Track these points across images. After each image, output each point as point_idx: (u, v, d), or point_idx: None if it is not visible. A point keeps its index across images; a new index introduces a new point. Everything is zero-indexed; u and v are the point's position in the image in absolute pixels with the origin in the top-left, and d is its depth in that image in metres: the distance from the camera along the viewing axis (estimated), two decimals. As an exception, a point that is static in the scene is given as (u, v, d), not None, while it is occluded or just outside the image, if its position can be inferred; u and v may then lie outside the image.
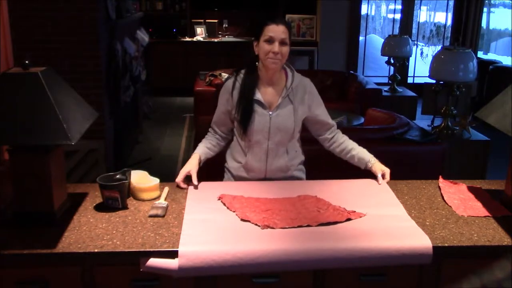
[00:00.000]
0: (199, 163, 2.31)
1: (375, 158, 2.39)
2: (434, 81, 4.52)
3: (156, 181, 2.18)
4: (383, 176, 2.34)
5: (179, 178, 2.24)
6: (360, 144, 3.49)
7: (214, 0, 8.45)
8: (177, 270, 1.70)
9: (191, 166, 2.27)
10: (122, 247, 1.74)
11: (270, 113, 2.28)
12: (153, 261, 1.72)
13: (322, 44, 7.86)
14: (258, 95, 2.27)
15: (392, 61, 6.54)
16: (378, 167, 2.36)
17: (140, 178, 2.18)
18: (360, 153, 2.40)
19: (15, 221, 1.88)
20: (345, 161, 2.41)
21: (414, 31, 8.72)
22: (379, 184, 2.30)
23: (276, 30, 2.18)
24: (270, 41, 2.19)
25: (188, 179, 2.26)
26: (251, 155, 2.34)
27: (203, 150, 2.37)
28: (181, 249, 1.72)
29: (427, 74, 4.48)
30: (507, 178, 2.17)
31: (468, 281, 1.36)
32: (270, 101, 2.29)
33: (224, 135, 2.43)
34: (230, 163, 2.43)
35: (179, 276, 1.72)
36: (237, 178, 2.40)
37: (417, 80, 8.88)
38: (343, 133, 2.50)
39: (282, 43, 2.19)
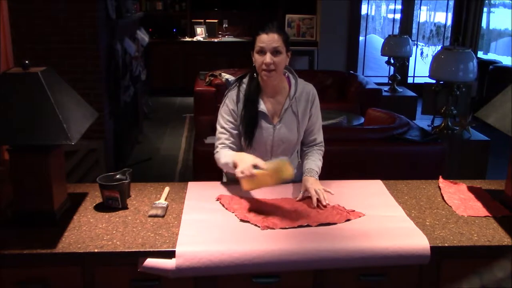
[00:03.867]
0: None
1: (313, 176, 2.21)
2: (434, 81, 4.52)
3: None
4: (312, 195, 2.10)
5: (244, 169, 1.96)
6: (360, 144, 3.51)
7: (214, 0, 8.45)
8: (175, 270, 1.70)
9: (252, 157, 2.03)
10: (122, 247, 1.74)
11: (274, 125, 2.23)
12: (150, 261, 1.72)
13: (322, 44, 7.86)
14: (262, 106, 2.22)
15: (392, 61, 6.55)
16: (308, 184, 2.15)
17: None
18: (306, 164, 2.27)
19: (15, 221, 1.88)
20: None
21: (414, 31, 8.72)
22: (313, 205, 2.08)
23: (266, 40, 2.10)
24: (261, 52, 2.12)
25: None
26: None
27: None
28: (178, 249, 1.72)
29: (427, 74, 4.49)
30: (507, 178, 2.17)
31: (468, 281, 1.36)
32: (273, 111, 2.24)
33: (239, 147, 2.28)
34: (230, 173, 2.40)
35: (176, 276, 1.72)
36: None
37: (417, 80, 8.88)
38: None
39: (274, 52, 2.10)
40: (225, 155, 2.16)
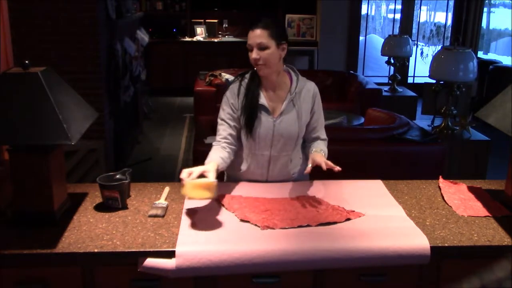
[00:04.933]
0: (216, 171, 2.04)
1: (321, 153, 2.23)
2: (434, 81, 4.52)
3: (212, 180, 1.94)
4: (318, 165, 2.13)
5: (185, 174, 1.93)
6: (360, 144, 3.51)
7: (214, 0, 8.45)
8: (174, 270, 1.70)
9: (208, 167, 2.01)
10: (122, 247, 1.74)
11: (274, 119, 2.24)
12: (150, 261, 1.72)
13: (322, 44, 7.86)
14: (263, 100, 2.24)
15: (392, 61, 6.55)
16: (315, 157, 2.17)
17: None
18: (313, 147, 2.29)
19: (15, 221, 1.88)
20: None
21: (414, 31, 8.73)
22: (308, 169, 2.13)
23: (251, 36, 2.14)
24: (249, 48, 2.16)
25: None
26: (253, 163, 2.31)
27: (218, 159, 2.12)
28: (178, 249, 1.72)
29: (427, 74, 4.48)
30: (507, 178, 2.17)
31: (468, 281, 1.36)
32: (274, 105, 2.26)
33: (236, 148, 2.27)
34: (231, 170, 2.38)
35: (176, 276, 1.72)
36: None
37: (417, 80, 8.88)
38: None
39: (260, 48, 2.13)
40: (209, 155, 2.17)
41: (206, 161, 2.12)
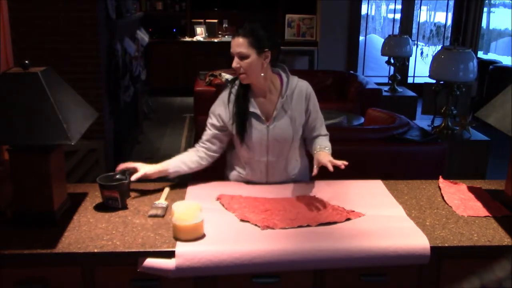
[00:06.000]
0: (161, 173, 2.22)
1: (325, 150, 2.21)
2: (434, 81, 4.51)
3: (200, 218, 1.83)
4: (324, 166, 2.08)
5: (122, 166, 2.14)
6: (360, 144, 3.51)
7: (214, 0, 8.45)
8: (174, 270, 1.70)
9: (147, 167, 2.18)
10: (122, 247, 1.74)
11: (267, 125, 2.21)
12: (150, 261, 1.72)
13: (322, 44, 7.85)
14: (254, 108, 2.20)
15: (392, 61, 6.54)
16: (320, 157, 2.12)
17: (185, 211, 1.83)
18: (317, 144, 2.27)
19: (15, 221, 1.88)
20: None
21: (414, 31, 8.72)
22: (314, 172, 2.09)
23: (233, 45, 2.11)
24: (231, 56, 2.14)
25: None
26: (251, 169, 2.29)
27: (175, 162, 2.26)
28: (178, 249, 1.72)
29: (427, 74, 4.48)
30: (507, 178, 2.17)
31: (468, 281, 1.36)
32: (266, 111, 2.23)
33: (216, 154, 2.29)
34: (230, 175, 2.38)
35: (176, 276, 1.72)
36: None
37: (417, 80, 8.88)
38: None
39: (240, 57, 2.10)
40: (178, 159, 2.28)
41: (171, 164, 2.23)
